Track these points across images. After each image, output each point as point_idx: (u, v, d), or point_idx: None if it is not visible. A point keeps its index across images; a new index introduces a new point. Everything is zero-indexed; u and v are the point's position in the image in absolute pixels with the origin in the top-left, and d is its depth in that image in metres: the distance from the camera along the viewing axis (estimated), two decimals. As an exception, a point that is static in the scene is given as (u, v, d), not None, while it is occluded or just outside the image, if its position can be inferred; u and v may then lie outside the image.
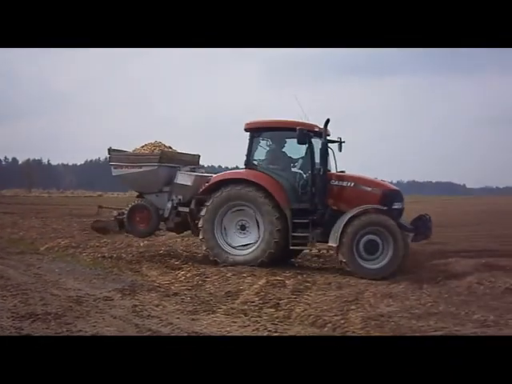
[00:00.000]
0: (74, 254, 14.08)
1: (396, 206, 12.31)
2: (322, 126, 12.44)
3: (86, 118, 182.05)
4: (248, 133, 12.92)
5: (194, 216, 12.83)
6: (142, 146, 13.57)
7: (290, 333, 7.19)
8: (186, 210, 12.91)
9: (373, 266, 11.59)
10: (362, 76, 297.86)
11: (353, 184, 12.47)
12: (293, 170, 12.89)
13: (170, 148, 13.81)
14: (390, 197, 12.34)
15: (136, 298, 9.16)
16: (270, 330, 7.26)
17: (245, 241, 12.44)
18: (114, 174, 13.31)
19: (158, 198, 13.11)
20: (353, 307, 8.36)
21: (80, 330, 6.99)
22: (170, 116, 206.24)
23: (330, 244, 11.90)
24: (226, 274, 10.94)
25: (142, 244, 15.52)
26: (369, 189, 12.41)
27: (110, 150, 13.40)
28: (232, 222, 12.50)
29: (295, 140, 12.27)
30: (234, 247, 12.42)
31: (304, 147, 12.54)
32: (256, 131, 12.84)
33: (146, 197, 13.25)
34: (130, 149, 13.58)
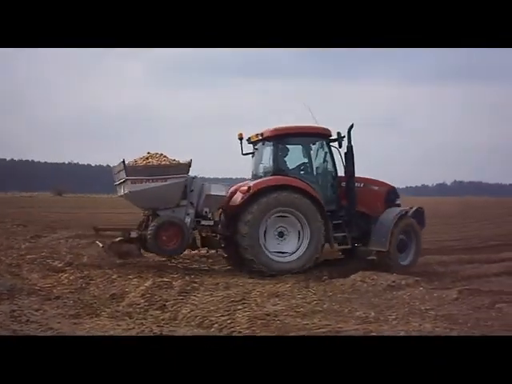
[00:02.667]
0: None
1: (398, 201, 13.65)
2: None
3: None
4: (270, 141, 12.95)
5: (218, 229, 12.58)
6: (146, 158, 12.03)
7: (176, 334, 7.09)
8: (211, 223, 12.34)
9: (403, 262, 12.82)
10: (243, 77, 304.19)
11: (362, 184, 13.34)
12: (317, 173, 13.23)
13: (166, 157, 12.31)
14: (392, 194, 13.70)
15: (14, 302, 8.68)
16: (155, 332, 7.11)
17: (285, 247, 12.33)
18: (131, 190, 11.67)
19: (174, 213, 11.97)
20: (239, 307, 8.35)
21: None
22: (48, 117, 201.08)
23: (376, 249, 12.86)
24: (111, 276, 10.62)
25: (23, 246, 14.87)
26: (376, 188, 13.57)
27: (124, 163, 11.70)
28: (271, 229, 12.31)
29: (315, 145, 13.14)
30: (279, 255, 12.26)
31: (321, 152, 13.13)
32: (282, 138, 12.86)
33: (159, 213, 11.95)
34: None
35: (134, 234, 12.12)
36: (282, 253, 12.28)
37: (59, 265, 11.92)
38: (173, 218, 11.84)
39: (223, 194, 12.30)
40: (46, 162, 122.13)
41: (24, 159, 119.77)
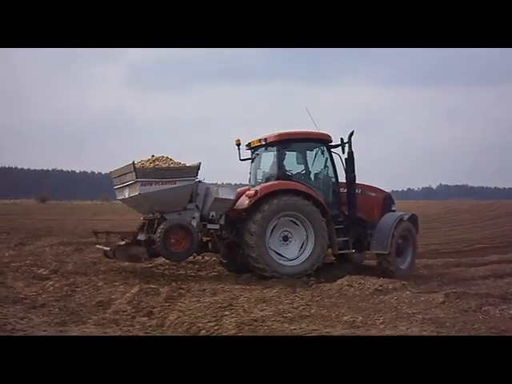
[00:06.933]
0: None
1: (393, 207, 13.87)
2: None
3: None
4: (274, 146, 12.93)
5: (222, 233, 12.40)
6: (153, 161, 11.86)
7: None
8: (216, 227, 12.15)
9: (401, 266, 12.94)
10: (224, 81, 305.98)
11: (360, 191, 13.37)
12: (319, 179, 13.25)
13: (172, 160, 12.18)
14: (389, 200, 13.94)
15: (-1, 311, 8.61)
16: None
17: (288, 252, 12.40)
18: (141, 193, 11.37)
19: (181, 216, 11.81)
20: (227, 313, 8.29)
21: None
22: (30, 123, 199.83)
23: (378, 252, 12.90)
24: (97, 283, 10.57)
25: (7, 254, 14.76)
26: (373, 194, 13.73)
27: (134, 165, 11.47)
28: (276, 233, 12.36)
29: (317, 150, 13.13)
30: (284, 258, 12.34)
31: (322, 158, 13.16)
32: (286, 143, 12.93)
33: (167, 216, 11.72)
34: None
35: (141, 237, 11.92)
36: (285, 256, 12.33)
37: (44, 272, 11.84)
38: (182, 221, 11.70)
39: (231, 197, 12.17)
40: (29, 169, 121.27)
41: (7, 166, 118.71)
